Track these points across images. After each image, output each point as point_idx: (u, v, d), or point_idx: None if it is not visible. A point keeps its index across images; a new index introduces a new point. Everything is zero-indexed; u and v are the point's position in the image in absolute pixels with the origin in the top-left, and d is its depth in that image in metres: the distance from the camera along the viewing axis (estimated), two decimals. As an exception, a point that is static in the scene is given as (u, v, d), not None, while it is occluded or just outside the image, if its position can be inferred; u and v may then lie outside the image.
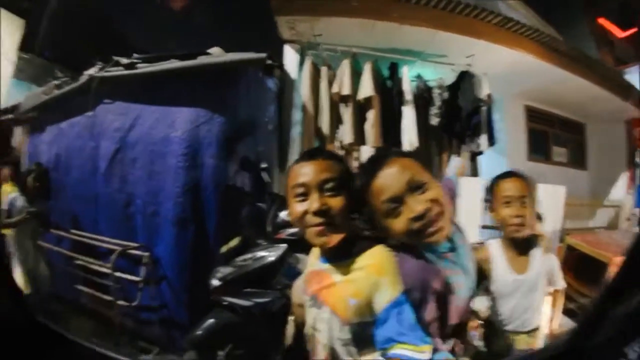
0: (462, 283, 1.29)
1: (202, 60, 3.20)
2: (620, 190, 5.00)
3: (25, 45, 4.51)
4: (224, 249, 2.60)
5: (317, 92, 3.79)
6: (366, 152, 3.75)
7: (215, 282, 2.40)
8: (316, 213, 1.17)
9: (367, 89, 3.69)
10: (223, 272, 2.42)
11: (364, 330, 1.16)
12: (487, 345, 1.88)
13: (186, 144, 3.06)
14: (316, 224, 1.18)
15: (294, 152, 3.79)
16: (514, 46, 3.93)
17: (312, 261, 1.39)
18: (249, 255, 2.44)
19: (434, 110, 3.92)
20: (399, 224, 1.16)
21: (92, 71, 3.51)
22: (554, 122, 5.17)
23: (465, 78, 4.00)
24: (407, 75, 3.87)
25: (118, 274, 3.05)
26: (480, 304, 1.88)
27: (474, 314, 1.73)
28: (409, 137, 3.69)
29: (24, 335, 1.31)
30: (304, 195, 1.20)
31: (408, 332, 1.07)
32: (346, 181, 1.23)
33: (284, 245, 2.40)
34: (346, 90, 3.69)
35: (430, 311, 1.15)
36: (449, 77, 4.09)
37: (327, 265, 1.28)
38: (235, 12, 4.18)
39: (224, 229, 2.98)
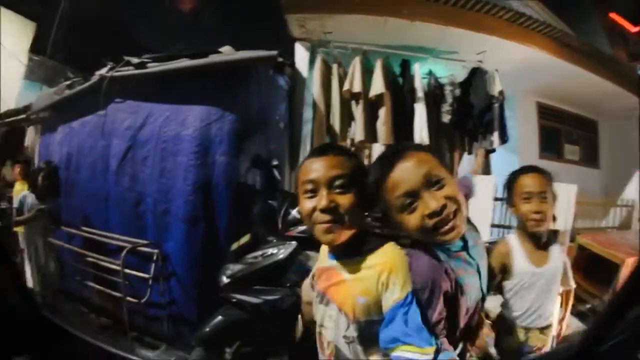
0: (473, 283, 1.27)
1: (213, 58, 3.21)
2: (633, 190, 4.94)
3: (37, 47, 4.57)
4: (234, 246, 2.61)
5: (328, 89, 3.79)
6: (378, 150, 3.74)
7: (224, 279, 2.40)
8: (324, 210, 1.15)
9: (378, 86, 3.68)
10: (233, 269, 2.42)
11: (370, 328, 1.15)
12: (497, 343, 1.84)
13: (197, 142, 3.07)
14: (324, 221, 1.16)
15: (305, 149, 3.78)
16: (525, 42, 3.90)
17: (322, 258, 1.38)
18: (259, 253, 2.43)
19: (445, 107, 3.90)
20: (413, 220, 1.13)
21: (103, 71, 3.53)
22: (566, 119, 5.13)
23: (476, 75, 3.98)
24: (419, 72, 3.85)
25: (127, 270, 3.06)
26: (491, 304, 1.91)
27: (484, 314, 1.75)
28: (421, 135, 3.67)
29: (31, 329, 1.32)
30: (313, 192, 1.19)
31: (413, 333, 1.04)
32: (357, 178, 1.20)
33: (294, 243, 2.39)
34: (357, 88, 3.68)
35: (438, 311, 1.12)
36: (461, 74, 4.06)
37: (335, 263, 1.26)
38: (245, 11, 4.19)
39: (235, 227, 2.99)
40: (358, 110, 3.75)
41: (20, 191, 3.68)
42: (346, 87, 3.71)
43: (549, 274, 1.84)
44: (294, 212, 2.54)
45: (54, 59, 4.51)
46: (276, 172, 3.04)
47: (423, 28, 3.72)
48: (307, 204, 1.19)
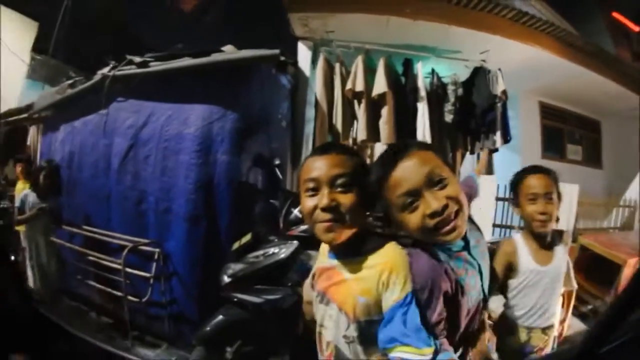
0: (474, 284, 1.26)
1: (215, 57, 3.20)
2: (636, 191, 4.94)
3: (39, 47, 4.58)
4: (235, 245, 2.59)
5: (331, 88, 3.79)
6: (380, 149, 3.73)
7: (225, 279, 2.38)
8: (325, 209, 1.14)
9: (380, 85, 3.67)
10: (234, 268, 2.41)
11: (370, 328, 1.14)
12: (499, 344, 1.87)
13: (199, 141, 3.07)
14: (325, 219, 1.15)
15: (307, 149, 3.79)
16: (528, 41, 3.89)
17: (322, 257, 1.37)
18: (260, 252, 2.42)
19: (448, 106, 3.89)
20: (414, 220, 1.11)
21: (105, 70, 3.54)
22: (568, 119, 5.12)
23: (479, 74, 3.96)
24: (421, 72, 3.84)
25: (129, 269, 3.06)
26: (494, 304, 1.91)
27: (486, 313, 1.75)
28: (423, 134, 3.66)
29: (29, 327, 1.31)
30: (315, 190, 1.18)
31: (412, 334, 1.04)
32: (359, 177, 1.19)
33: (296, 242, 2.38)
34: (360, 87, 3.68)
35: (438, 312, 1.11)
36: (463, 73, 4.05)
37: (336, 262, 1.25)
38: (248, 10, 4.19)
39: (236, 226, 2.98)
40: (360, 110, 3.74)
41: (22, 190, 3.68)
42: (349, 86, 3.71)
43: (553, 272, 1.84)
44: (296, 212, 2.52)
45: (56, 58, 4.53)
46: (278, 171, 3.03)
47: (426, 27, 3.71)
48: (308, 202, 1.19)
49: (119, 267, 3.05)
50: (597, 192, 5.03)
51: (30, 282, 3.50)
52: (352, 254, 1.21)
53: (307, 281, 1.48)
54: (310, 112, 3.86)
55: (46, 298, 3.56)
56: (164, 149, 3.19)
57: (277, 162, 3.07)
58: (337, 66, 3.82)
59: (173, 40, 3.99)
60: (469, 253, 1.26)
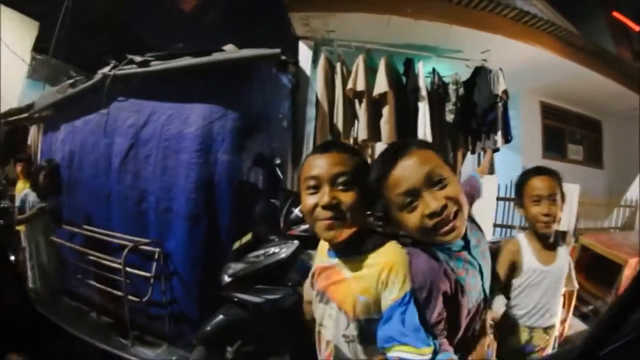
0: (475, 284, 1.25)
1: (216, 56, 3.20)
2: (636, 190, 4.94)
3: (40, 46, 4.59)
4: (236, 245, 2.59)
5: (332, 88, 3.78)
6: (381, 149, 3.73)
7: (226, 278, 2.38)
8: (326, 207, 1.14)
9: (382, 85, 3.67)
10: (234, 268, 2.41)
11: (370, 327, 1.14)
12: (500, 343, 1.85)
13: (200, 140, 3.07)
14: (325, 217, 1.15)
15: (308, 148, 3.78)
16: (530, 41, 3.88)
17: (320, 256, 1.36)
18: (261, 252, 2.42)
19: (449, 106, 3.88)
20: (413, 219, 1.11)
21: (105, 69, 3.54)
22: (570, 119, 5.12)
23: (480, 74, 3.97)
24: (423, 71, 3.84)
25: (129, 269, 3.06)
26: (495, 304, 1.90)
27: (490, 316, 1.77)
28: (424, 134, 3.66)
29: (28, 327, 1.31)
30: (316, 188, 1.17)
31: (410, 333, 1.03)
32: (360, 175, 1.19)
33: (296, 242, 2.37)
34: (360, 87, 3.68)
35: (438, 312, 1.11)
36: (465, 73, 4.05)
37: (336, 261, 1.24)
38: (248, 10, 4.19)
39: (237, 225, 2.98)
40: (361, 109, 3.74)
41: (22, 189, 3.68)
42: (349, 85, 3.70)
43: (556, 273, 1.86)
44: (296, 211, 2.52)
45: (56, 58, 4.52)
46: (279, 171, 3.03)
47: (427, 26, 3.71)
48: (309, 200, 1.18)
49: (120, 266, 3.04)
50: (598, 192, 5.03)
51: (30, 282, 3.50)
52: (352, 252, 1.20)
53: (308, 281, 1.48)
54: (311, 112, 3.86)
55: (46, 298, 3.56)
56: (165, 148, 3.19)
57: (277, 161, 3.07)
58: (338, 66, 3.81)
59: (173, 40, 4.00)
60: (469, 253, 1.25)
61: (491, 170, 3.94)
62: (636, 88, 4.17)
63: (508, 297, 1.93)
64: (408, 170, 1.11)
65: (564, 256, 1.90)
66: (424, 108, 3.74)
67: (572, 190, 3.72)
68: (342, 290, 1.20)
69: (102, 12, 4.51)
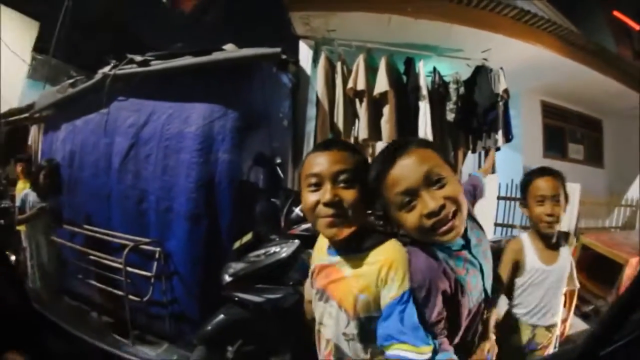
0: (476, 284, 1.25)
1: (216, 56, 3.20)
2: (637, 190, 4.94)
3: (40, 46, 4.59)
4: (236, 244, 2.59)
5: (332, 87, 3.78)
6: (381, 148, 3.73)
7: (227, 278, 2.38)
8: (328, 204, 1.14)
9: (382, 84, 3.67)
10: (235, 267, 2.40)
11: (370, 325, 1.14)
12: (503, 343, 1.84)
13: (200, 140, 3.06)
14: (327, 214, 1.15)
15: (309, 147, 3.77)
16: (530, 40, 3.88)
17: (319, 255, 1.36)
18: (261, 251, 2.41)
19: (449, 105, 3.88)
20: (411, 219, 1.10)
21: (106, 69, 3.53)
22: (570, 118, 5.12)
23: (481, 73, 3.97)
24: (423, 70, 3.84)
25: (129, 269, 3.06)
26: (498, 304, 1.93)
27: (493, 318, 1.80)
28: (425, 133, 3.65)
29: (29, 327, 1.31)
30: (317, 186, 1.17)
31: (409, 332, 1.04)
32: (361, 173, 1.19)
33: (297, 241, 2.37)
34: (361, 86, 3.67)
35: (437, 311, 1.11)
36: (465, 72, 4.05)
37: (336, 259, 1.24)
38: (248, 10, 4.19)
39: (237, 225, 2.97)
40: (362, 108, 3.74)
41: (22, 189, 3.68)
42: (350, 85, 3.70)
43: (558, 272, 1.89)
44: (297, 210, 2.52)
45: (57, 58, 4.53)
46: (279, 170, 3.02)
47: (427, 26, 3.71)
48: (310, 197, 1.18)
49: (120, 266, 3.04)
50: (599, 192, 5.03)
51: (31, 282, 3.50)
52: (353, 250, 1.20)
53: (308, 280, 1.48)
54: (311, 111, 3.87)
55: (47, 298, 3.55)
56: (165, 148, 3.19)
57: (278, 160, 3.07)
58: (338, 65, 3.81)
59: (173, 40, 4.00)
60: (470, 252, 1.24)
61: (492, 170, 3.94)
62: (637, 87, 4.17)
63: (510, 296, 1.96)
64: (406, 169, 1.10)
65: (566, 256, 1.92)
66: (424, 107, 3.74)
67: (572, 190, 3.70)
68: (342, 288, 1.20)
69: (102, 12, 4.52)
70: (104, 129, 3.54)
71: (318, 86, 3.76)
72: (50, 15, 4.33)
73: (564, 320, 2.06)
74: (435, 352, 1.03)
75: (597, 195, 4.92)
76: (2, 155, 4.46)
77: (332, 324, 1.23)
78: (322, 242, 1.35)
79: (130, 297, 3.09)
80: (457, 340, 1.20)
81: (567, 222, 3.75)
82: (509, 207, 4.32)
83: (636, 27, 3.71)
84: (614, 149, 5.22)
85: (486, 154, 4.06)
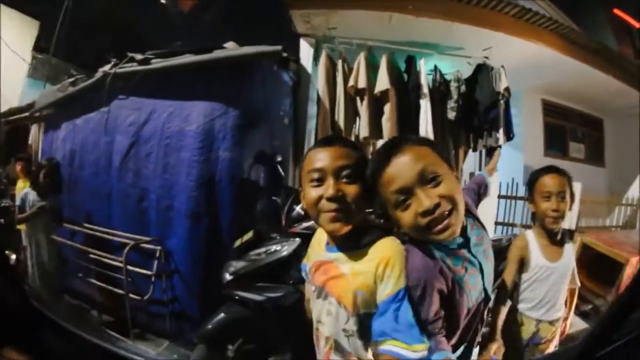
0: (475, 283, 1.23)
1: (217, 54, 3.20)
2: (638, 189, 4.93)
3: (40, 46, 4.59)
4: (237, 242, 2.58)
5: (333, 85, 3.78)
6: (380, 146, 3.73)
7: (227, 276, 2.37)
8: (331, 199, 1.14)
9: (383, 82, 3.66)
10: (236, 266, 2.40)
11: (369, 321, 1.13)
12: (507, 337, 1.92)
13: (201, 138, 3.06)
14: (330, 209, 1.15)
15: (310, 145, 3.74)
16: (531, 38, 3.88)
17: (317, 251, 1.36)
18: (262, 249, 2.41)
19: (450, 103, 3.87)
20: (406, 217, 1.10)
21: (106, 67, 3.53)
22: (571, 116, 5.12)
23: (482, 71, 3.96)
24: (424, 68, 3.83)
25: (130, 267, 3.06)
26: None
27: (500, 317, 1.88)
28: (426, 131, 3.65)
29: (30, 326, 1.31)
30: (320, 181, 1.17)
31: (403, 330, 1.03)
32: (362, 170, 1.19)
33: (298, 240, 2.36)
34: (362, 84, 3.66)
35: (434, 310, 1.10)
36: (466, 70, 4.04)
37: (335, 255, 1.24)
38: (248, 9, 4.19)
39: (238, 223, 2.98)
40: (363, 107, 3.73)
41: (22, 188, 3.67)
42: (351, 83, 3.69)
43: (562, 269, 1.93)
44: (298, 209, 2.51)
45: (57, 57, 4.53)
46: (280, 168, 3.02)
47: (428, 24, 3.71)
48: (313, 192, 1.18)
49: (121, 264, 3.04)
50: (600, 190, 5.03)
51: (31, 281, 3.49)
52: (352, 246, 1.20)
53: (305, 277, 1.47)
54: (312, 109, 3.87)
55: (47, 296, 3.55)
56: (166, 146, 3.19)
57: (279, 159, 3.06)
58: (339, 63, 3.80)
59: (173, 40, 3.99)
60: (469, 251, 1.23)
61: (494, 168, 3.95)
62: (637, 85, 4.17)
63: (515, 294, 2.00)
64: (401, 167, 1.10)
65: (571, 253, 1.97)
66: (425, 105, 3.73)
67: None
68: (341, 285, 1.19)
69: (102, 11, 4.52)
70: (104, 127, 3.54)
71: (319, 84, 3.75)
72: (50, 14, 4.34)
73: (565, 319, 2.08)
74: (430, 351, 1.03)
75: (597, 194, 4.91)
76: (2, 155, 4.46)
77: (331, 321, 1.22)
78: (320, 238, 1.35)
79: (131, 295, 3.09)
80: (455, 339, 1.20)
81: (568, 220, 3.74)
82: (509, 206, 4.32)
83: (637, 25, 3.70)
84: (615, 147, 5.22)
85: (487, 153, 4.06)
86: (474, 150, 4.09)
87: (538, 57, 3.99)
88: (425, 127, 3.67)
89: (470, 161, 4.26)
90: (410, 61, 3.89)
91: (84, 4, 4.30)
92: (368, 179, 1.17)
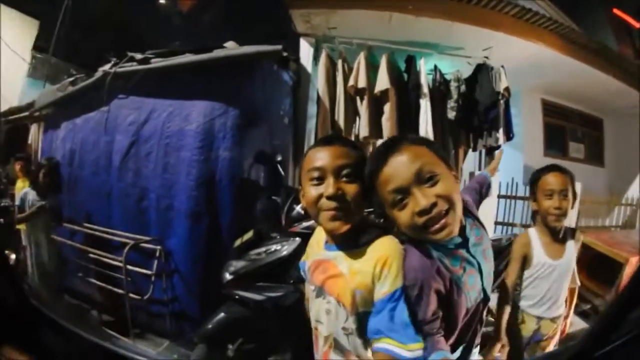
0: (473, 284, 1.23)
1: (216, 53, 3.20)
2: (638, 189, 4.93)
3: (40, 45, 4.59)
4: (237, 242, 2.58)
5: (333, 85, 3.78)
6: (380, 145, 3.73)
7: (227, 276, 2.38)
8: (331, 197, 1.15)
9: (383, 82, 3.67)
10: (236, 265, 2.40)
11: (368, 319, 1.14)
12: (509, 334, 1.94)
13: (201, 138, 3.06)
14: (330, 208, 1.16)
15: (310, 145, 3.75)
16: (531, 38, 3.89)
17: (316, 250, 1.37)
18: (262, 249, 2.41)
19: (450, 103, 3.87)
20: (403, 217, 1.10)
21: (106, 67, 3.53)
22: (571, 116, 5.12)
23: (482, 71, 3.96)
24: (424, 68, 3.84)
25: (130, 267, 3.06)
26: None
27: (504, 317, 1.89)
28: (426, 131, 3.66)
29: (29, 326, 1.31)
30: (320, 180, 1.18)
31: (398, 329, 1.05)
32: (362, 169, 1.19)
33: (298, 239, 2.36)
34: (362, 84, 3.67)
35: (430, 310, 1.09)
36: (466, 70, 4.04)
37: (334, 254, 1.25)
38: (248, 8, 4.19)
39: (238, 223, 2.98)
40: (363, 106, 3.73)
41: (22, 188, 3.67)
42: (351, 82, 3.70)
43: (564, 266, 1.95)
44: (298, 208, 2.51)
45: (57, 56, 4.53)
46: (280, 168, 3.02)
47: (428, 23, 3.71)
48: (313, 191, 1.19)
49: (120, 264, 3.03)
50: (599, 190, 5.03)
51: (31, 280, 3.49)
52: (352, 245, 1.21)
53: (303, 276, 1.47)
54: (312, 109, 3.87)
55: (47, 296, 3.55)
56: (166, 146, 3.19)
57: (279, 158, 3.06)
58: (339, 63, 3.81)
59: (173, 39, 4.00)
60: (468, 251, 1.23)
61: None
62: (637, 85, 4.16)
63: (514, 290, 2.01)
64: (398, 167, 1.10)
65: (572, 251, 1.98)
66: (425, 105, 3.74)
67: (574, 188, 3.72)
68: (339, 284, 1.20)
69: (101, 10, 4.51)
70: (104, 127, 3.54)
71: (319, 84, 3.76)
72: (50, 13, 4.34)
73: (565, 318, 2.09)
74: (428, 350, 1.03)
75: (597, 194, 4.91)
76: (2, 154, 4.46)
77: (330, 320, 1.23)
78: (319, 237, 1.36)
79: (131, 295, 3.09)
80: (453, 339, 1.20)
81: (568, 220, 3.74)
82: (509, 206, 4.32)
83: (636, 25, 3.70)
84: (615, 147, 5.22)
85: (487, 153, 4.06)
86: (474, 150, 4.10)
87: (538, 57, 3.99)
88: (425, 126, 3.68)
89: (470, 161, 4.25)
90: (410, 61, 3.90)
91: (84, 3, 4.30)
92: (366, 178, 1.17)
